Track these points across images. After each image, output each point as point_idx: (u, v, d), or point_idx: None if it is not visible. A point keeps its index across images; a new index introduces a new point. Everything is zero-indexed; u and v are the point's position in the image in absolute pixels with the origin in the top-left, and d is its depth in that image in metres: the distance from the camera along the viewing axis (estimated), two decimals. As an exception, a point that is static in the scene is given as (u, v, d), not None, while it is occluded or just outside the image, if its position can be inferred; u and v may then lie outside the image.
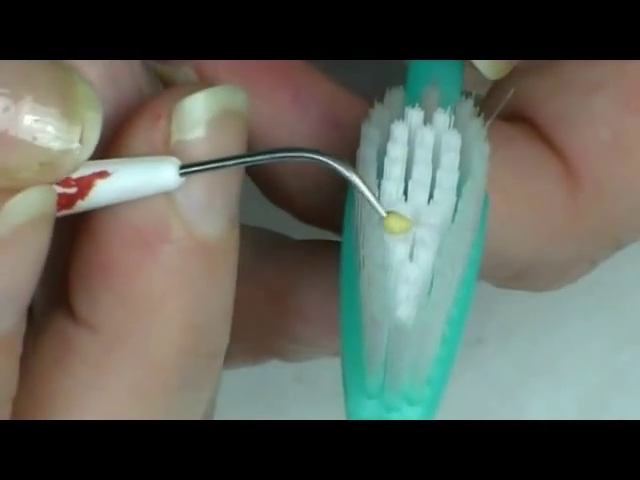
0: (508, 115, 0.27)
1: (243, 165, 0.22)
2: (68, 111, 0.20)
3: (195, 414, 0.23)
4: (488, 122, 0.24)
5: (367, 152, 0.23)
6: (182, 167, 0.22)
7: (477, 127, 0.23)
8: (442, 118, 0.23)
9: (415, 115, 0.23)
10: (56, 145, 0.20)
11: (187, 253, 0.22)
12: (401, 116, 0.23)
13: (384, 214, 0.22)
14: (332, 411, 0.43)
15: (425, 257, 0.22)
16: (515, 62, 0.25)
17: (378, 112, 0.24)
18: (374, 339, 0.22)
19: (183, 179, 0.22)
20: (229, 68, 0.25)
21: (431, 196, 0.22)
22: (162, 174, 0.22)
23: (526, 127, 0.27)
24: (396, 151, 0.23)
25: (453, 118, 0.23)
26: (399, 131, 0.23)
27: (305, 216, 0.27)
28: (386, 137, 0.23)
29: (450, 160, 0.23)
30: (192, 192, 0.22)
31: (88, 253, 0.22)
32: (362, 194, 0.22)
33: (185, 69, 0.25)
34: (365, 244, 0.22)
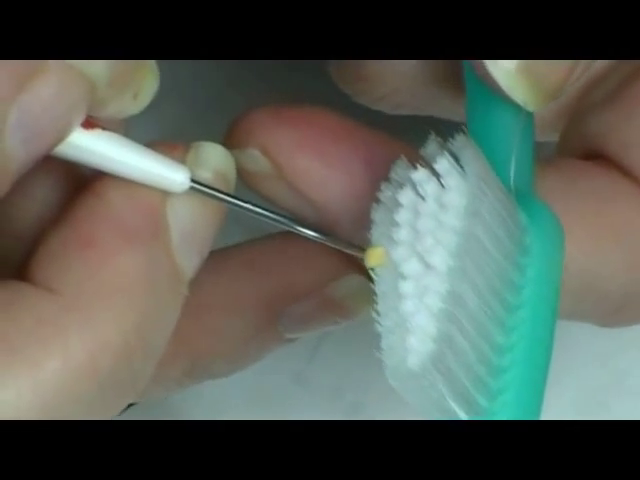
0: (581, 153, 0.27)
1: (246, 210, 0.23)
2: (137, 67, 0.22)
3: (104, 414, 0.23)
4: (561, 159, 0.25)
5: (376, 234, 0.24)
6: (193, 180, 0.23)
7: (471, 154, 0.23)
8: (442, 163, 0.23)
9: (420, 175, 0.23)
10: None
11: (161, 265, 0.22)
12: (406, 181, 0.24)
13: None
14: (331, 411, 0.43)
15: (432, 301, 0.22)
16: (552, 91, 0.25)
17: (385, 191, 0.24)
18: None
19: (188, 188, 0.22)
20: (295, 144, 0.25)
21: (436, 239, 0.23)
22: (175, 172, 0.22)
23: (600, 160, 0.27)
24: (402, 217, 0.23)
25: (452, 159, 0.23)
26: (404, 197, 0.23)
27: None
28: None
29: (449, 199, 0.23)
30: (187, 212, 0.23)
31: (79, 224, 0.22)
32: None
33: (251, 151, 0.26)
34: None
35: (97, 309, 0.21)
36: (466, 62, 0.25)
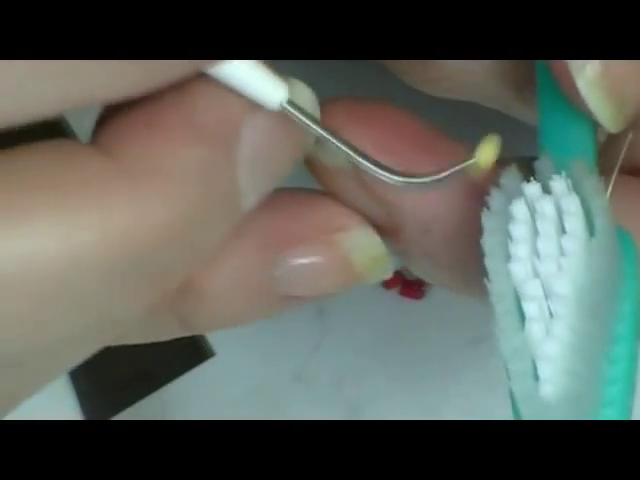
0: (626, 170, 0.27)
1: (335, 145, 0.23)
2: None
3: (121, 302, 0.22)
4: (613, 177, 0.24)
5: (491, 242, 0.23)
6: (290, 103, 0.22)
7: (593, 184, 0.23)
8: (559, 184, 0.23)
9: (532, 189, 0.23)
10: None
11: (221, 173, 0.22)
12: (518, 194, 0.23)
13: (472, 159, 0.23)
14: (331, 410, 0.43)
15: (562, 330, 0.22)
16: (634, 115, 0.25)
17: (495, 198, 0.24)
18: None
19: (280, 108, 0.22)
20: (376, 145, 0.25)
21: (560, 266, 0.23)
22: (274, 87, 0.22)
23: None
24: (518, 231, 0.23)
25: (570, 181, 0.23)
26: (518, 209, 0.23)
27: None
28: (508, 218, 0.23)
29: (572, 225, 0.23)
30: (266, 133, 0.23)
31: (157, 107, 0.22)
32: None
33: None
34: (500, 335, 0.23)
35: (147, 186, 0.21)
36: (541, 64, 0.25)
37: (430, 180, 0.23)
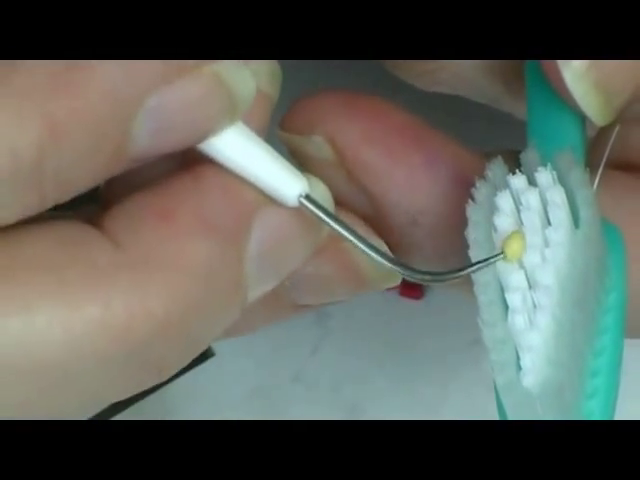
0: (615, 164, 0.27)
1: (348, 239, 0.22)
2: None
3: (115, 387, 0.22)
4: (599, 170, 0.24)
5: (475, 234, 0.23)
6: (307, 197, 0.22)
7: (579, 176, 0.23)
8: (544, 176, 0.23)
9: (518, 181, 0.23)
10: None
11: (228, 268, 0.22)
12: (504, 186, 0.23)
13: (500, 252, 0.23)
14: (331, 410, 0.43)
15: (545, 320, 0.22)
16: (621, 108, 0.25)
17: (481, 190, 0.24)
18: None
19: (298, 203, 0.22)
20: (362, 136, 0.25)
21: (544, 257, 0.23)
22: (292, 183, 0.22)
23: None
24: (503, 223, 0.23)
25: (555, 174, 0.23)
26: (503, 201, 0.23)
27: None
28: (493, 210, 0.23)
29: (557, 217, 0.23)
30: (277, 227, 0.22)
31: (166, 196, 0.22)
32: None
33: (316, 138, 0.25)
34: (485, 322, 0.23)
35: (151, 278, 0.21)
36: (530, 61, 0.25)
37: (454, 277, 0.23)
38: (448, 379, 0.42)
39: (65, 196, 0.20)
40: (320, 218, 0.22)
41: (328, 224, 0.22)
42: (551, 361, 0.22)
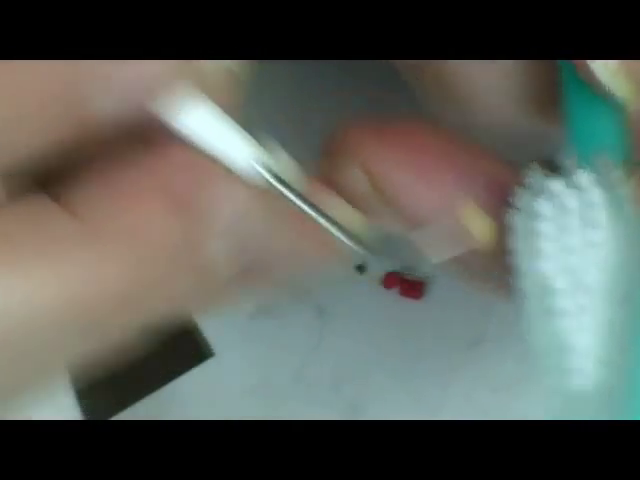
0: None
1: (299, 205, 0.23)
2: None
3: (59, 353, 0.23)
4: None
5: (518, 241, 0.24)
6: (268, 171, 0.22)
7: (617, 177, 0.24)
8: (582, 179, 0.24)
9: (557, 185, 0.24)
10: None
11: (191, 243, 0.22)
12: (543, 191, 0.24)
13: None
14: (331, 409, 0.43)
15: (592, 321, 0.22)
16: None
17: (520, 197, 0.24)
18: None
19: (256, 174, 0.22)
20: (397, 163, 0.26)
21: (587, 258, 0.23)
22: (246, 153, 0.22)
23: None
24: (544, 227, 0.24)
25: (594, 175, 0.24)
26: (543, 206, 0.24)
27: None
28: (533, 216, 0.24)
29: (597, 218, 0.23)
30: (242, 202, 0.22)
31: (129, 170, 0.22)
32: None
33: (353, 171, 0.26)
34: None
35: (107, 249, 0.21)
36: (565, 63, 0.25)
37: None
38: (448, 378, 0.42)
39: (19, 161, 0.20)
40: (278, 190, 0.22)
41: (287, 196, 0.22)
42: (602, 361, 0.22)
